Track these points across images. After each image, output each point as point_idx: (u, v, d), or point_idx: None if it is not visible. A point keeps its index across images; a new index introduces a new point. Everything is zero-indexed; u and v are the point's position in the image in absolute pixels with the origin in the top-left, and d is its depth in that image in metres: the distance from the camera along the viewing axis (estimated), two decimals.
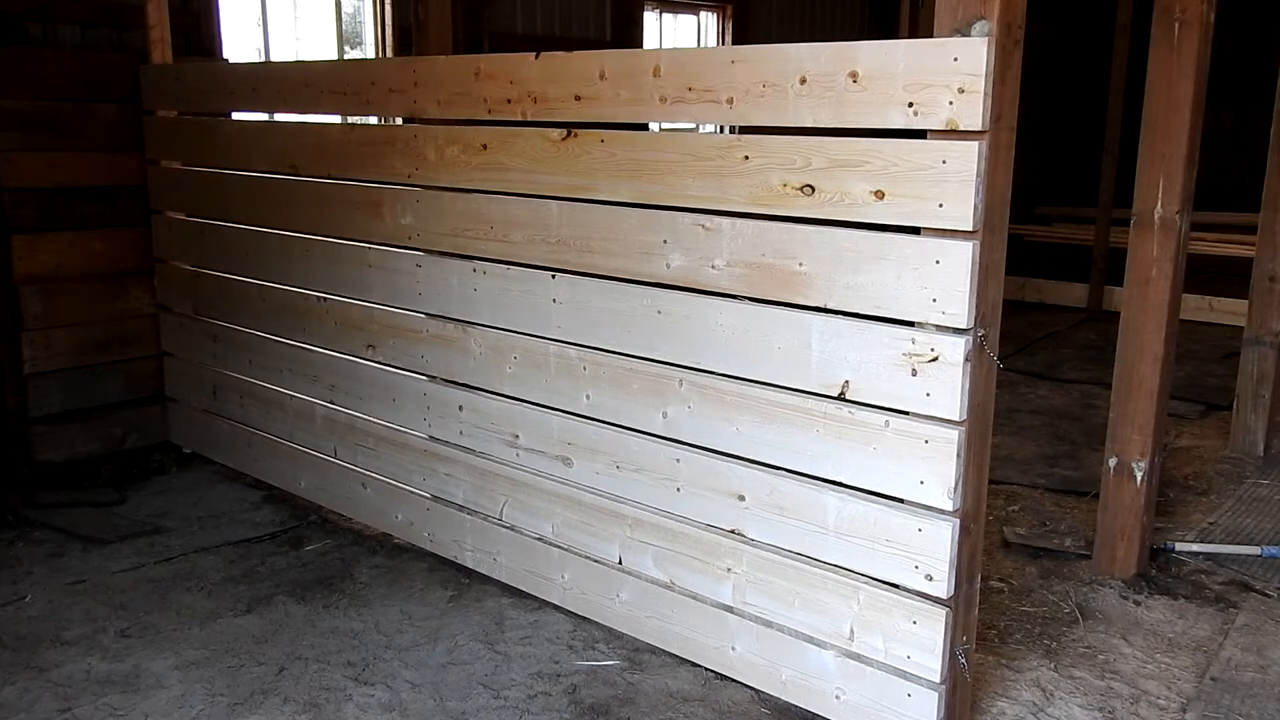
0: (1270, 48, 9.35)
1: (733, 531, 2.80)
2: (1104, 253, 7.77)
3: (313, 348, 3.94)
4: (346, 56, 6.20)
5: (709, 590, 2.87)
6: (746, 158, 2.57)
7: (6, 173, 4.10)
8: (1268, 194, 4.68)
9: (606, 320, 2.95)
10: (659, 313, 2.83)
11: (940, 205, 2.26)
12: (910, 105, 2.26)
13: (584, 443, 3.08)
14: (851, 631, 2.60)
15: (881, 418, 2.45)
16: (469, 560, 3.51)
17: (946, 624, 2.44)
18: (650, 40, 8.10)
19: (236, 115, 4.22)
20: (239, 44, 5.63)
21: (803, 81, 2.44)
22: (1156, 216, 3.32)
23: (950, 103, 2.21)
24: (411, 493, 3.66)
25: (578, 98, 2.89)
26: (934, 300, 2.31)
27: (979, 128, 2.18)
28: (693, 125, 2.90)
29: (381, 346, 3.66)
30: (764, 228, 2.58)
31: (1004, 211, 2.32)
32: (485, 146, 3.16)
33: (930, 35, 2.26)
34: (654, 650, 3.03)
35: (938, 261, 2.29)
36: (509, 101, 3.06)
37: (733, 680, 2.88)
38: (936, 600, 2.45)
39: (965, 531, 2.41)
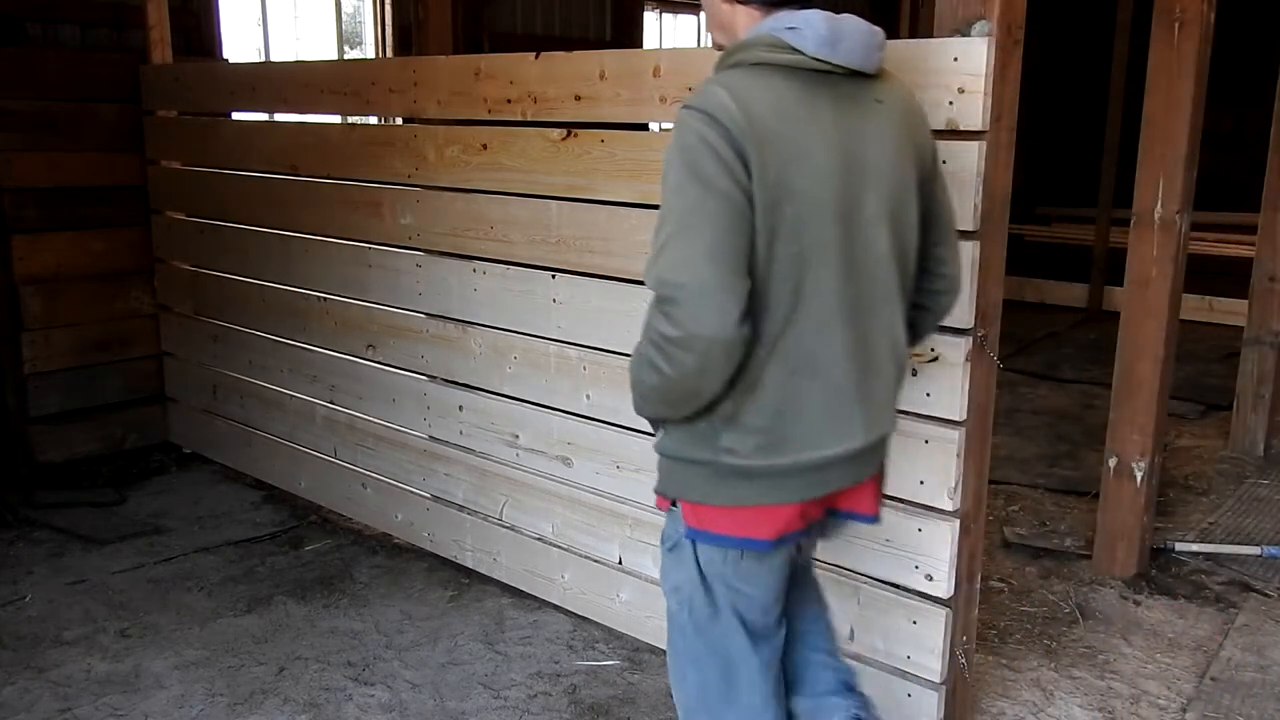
0: (1270, 48, 9.35)
1: None
2: (1104, 253, 7.76)
3: (313, 348, 3.94)
4: (346, 56, 6.20)
5: None
6: None
7: (6, 173, 4.10)
8: (1268, 194, 4.68)
9: (606, 320, 2.95)
10: None
11: None
12: None
13: (584, 443, 3.08)
14: (851, 631, 2.60)
15: None
16: (469, 560, 3.51)
17: (946, 624, 2.44)
18: (650, 40, 8.10)
19: (236, 115, 4.22)
20: (239, 44, 5.63)
21: None
22: (1156, 216, 3.32)
23: (950, 103, 2.21)
24: (411, 493, 3.66)
25: (578, 98, 2.89)
26: None
27: (979, 128, 2.18)
28: None
29: (381, 346, 3.66)
30: None
31: (1004, 211, 2.32)
32: (485, 146, 3.16)
33: (930, 35, 2.26)
34: (654, 650, 3.02)
35: None
36: (509, 101, 3.06)
37: None
38: (936, 600, 2.45)
39: (965, 531, 2.41)
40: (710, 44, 1.95)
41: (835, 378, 1.75)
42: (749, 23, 1.77)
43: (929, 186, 1.88)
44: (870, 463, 1.91)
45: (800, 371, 1.73)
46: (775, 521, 1.81)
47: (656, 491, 1.92)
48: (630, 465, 2.97)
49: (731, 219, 1.61)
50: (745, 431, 1.74)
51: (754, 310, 1.67)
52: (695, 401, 1.71)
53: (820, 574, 2.62)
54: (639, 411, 1.83)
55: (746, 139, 1.61)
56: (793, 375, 1.73)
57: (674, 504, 1.89)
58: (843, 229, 1.72)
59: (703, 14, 1.88)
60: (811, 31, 1.69)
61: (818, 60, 1.69)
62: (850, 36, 1.72)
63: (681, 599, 1.90)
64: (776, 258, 1.67)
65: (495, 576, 3.44)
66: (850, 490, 1.89)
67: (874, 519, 1.99)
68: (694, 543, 1.85)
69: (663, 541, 1.94)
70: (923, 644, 2.48)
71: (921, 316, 1.99)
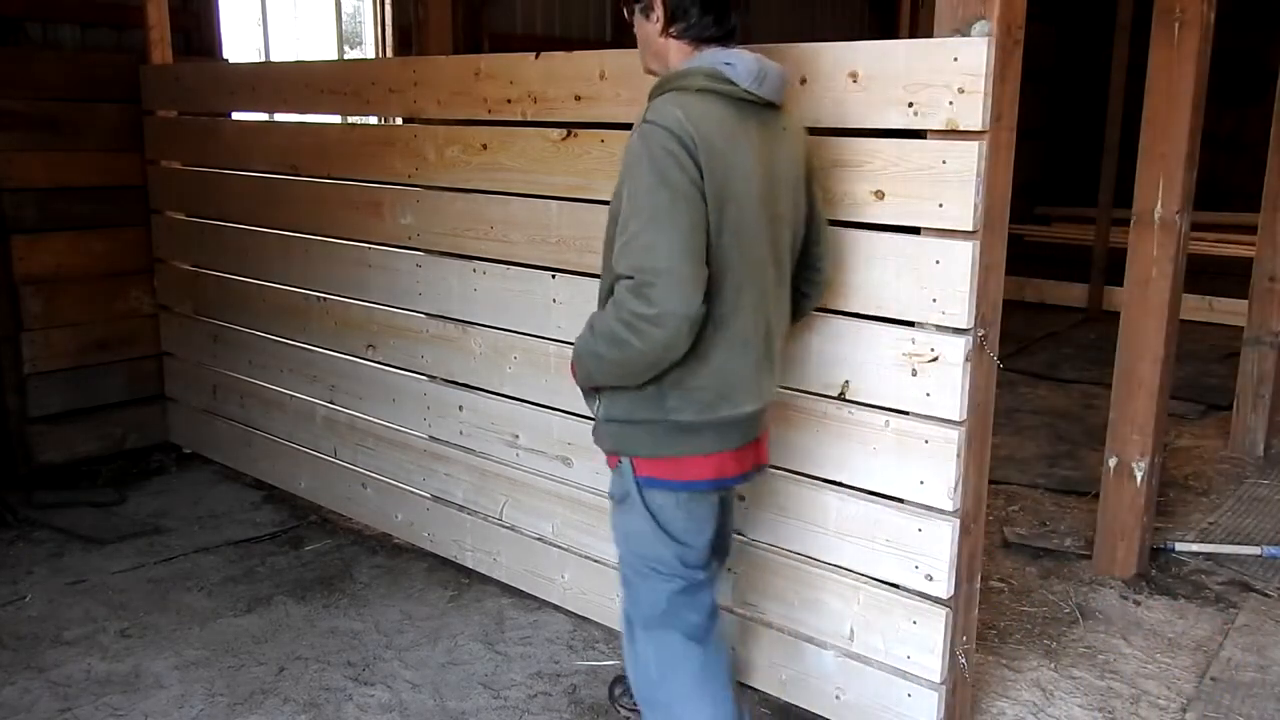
0: (1270, 48, 9.35)
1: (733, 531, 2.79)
2: (1104, 253, 7.76)
3: (313, 348, 3.94)
4: (346, 56, 6.19)
5: None
6: None
7: (6, 173, 4.10)
8: (1268, 194, 4.68)
9: None
10: None
11: (940, 205, 2.26)
12: (910, 105, 2.26)
13: (584, 443, 3.07)
14: (851, 631, 2.60)
15: (881, 418, 2.45)
16: (469, 560, 3.51)
17: (946, 624, 2.44)
18: None
19: (236, 115, 4.22)
20: (239, 44, 5.63)
21: (803, 81, 2.43)
22: (1156, 216, 3.32)
23: (950, 103, 2.21)
24: (411, 493, 3.66)
25: (578, 98, 2.89)
26: (934, 300, 2.30)
27: (979, 128, 2.18)
28: None
29: (381, 346, 3.66)
30: None
31: (1004, 211, 2.32)
32: (485, 146, 3.16)
33: (930, 35, 2.26)
34: None
35: (938, 261, 2.29)
36: (509, 101, 3.06)
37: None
38: (936, 600, 2.45)
39: (965, 531, 2.41)
40: (644, 67, 2.24)
41: (755, 351, 2.13)
42: (680, 55, 2.12)
43: (811, 196, 2.28)
44: (764, 420, 2.27)
45: (737, 346, 2.10)
46: (713, 466, 2.16)
47: (606, 451, 2.23)
48: None
49: (694, 217, 1.96)
50: (691, 395, 2.09)
51: (708, 294, 1.99)
52: (653, 371, 2.03)
53: (820, 574, 2.63)
54: (588, 382, 2.16)
55: (700, 151, 1.96)
56: (731, 349, 2.09)
57: (620, 462, 2.20)
58: (766, 229, 2.10)
59: (635, 28, 2.19)
60: (744, 67, 2.05)
61: (748, 92, 2.05)
62: (771, 75, 2.09)
63: (633, 544, 2.24)
64: (724, 249, 2.02)
65: (495, 576, 3.44)
66: (756, 444, 2.24)
67: (767, 465, 2.38)
68: (643, 493, 2.17)
69: (611, 497, 2.26)
70: (923, 644, 2.48)
71: (803, 301, 2.37)
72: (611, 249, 2.05)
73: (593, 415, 2.23)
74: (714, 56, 2.07)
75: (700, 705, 2.26)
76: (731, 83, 2.04)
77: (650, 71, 2.20)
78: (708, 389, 2.08)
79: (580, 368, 2.13)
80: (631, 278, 1.93)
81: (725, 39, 2.12)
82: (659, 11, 2.11)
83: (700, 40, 2.10)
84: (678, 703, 2.27)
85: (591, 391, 2.20)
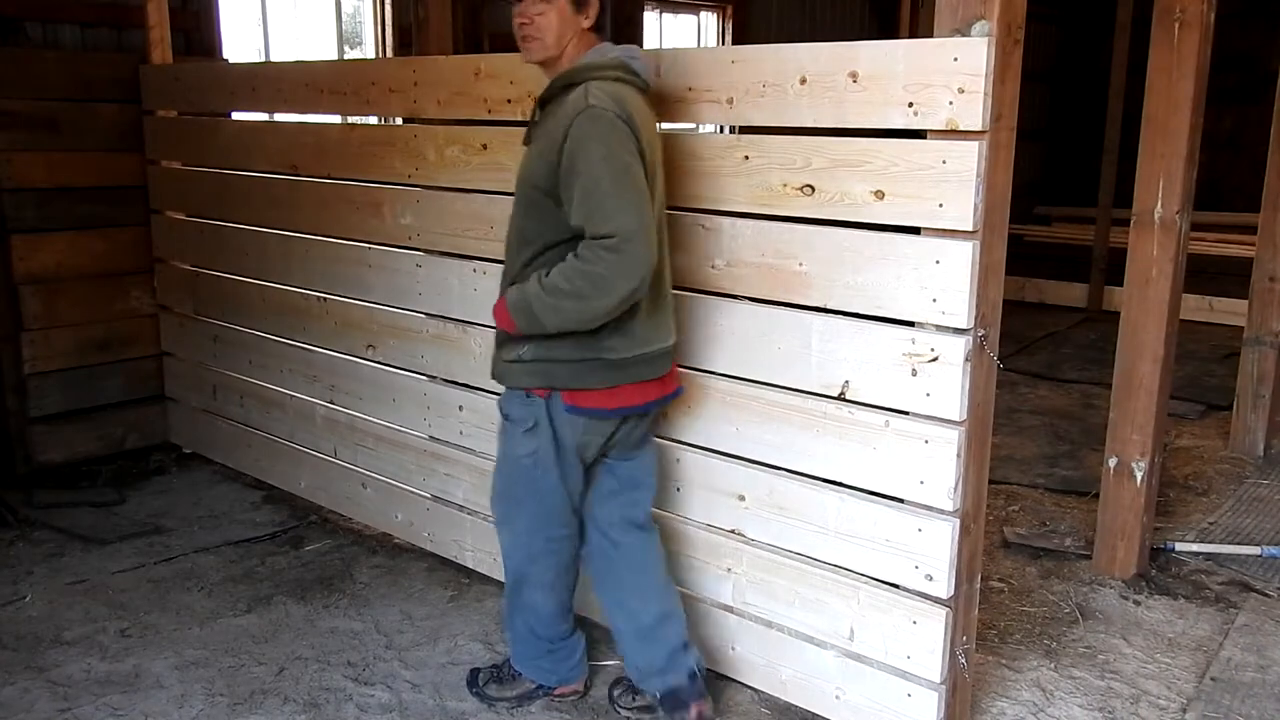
0: (1270, 48, 9.35)
1: (733, 531, 2.80)
2: (1104, 253, 7.77)
3: (313, 348, 3.94)
4: (346, 56, 6.19)
5: (709, 590, 2.87)
6: (746, 158, 2.57)
7: (6, 173, 4.10)
8: (1268, 194, 4.68)
9: None
10: None
11: (940, 205, 2.26)
12: (910, 105, 2.26)
13: None
14: (851, 631, 2.60)
15: (881, 418, 2.45)
16: (469, 560, 3.51)
17: (946, 624, 2.44)
18: (650, 40, 8.09)
19: (236, 115, 4.22)
20: (239, 44, 5.63)
21: (803, 81, 2.44)
22: (1156, 216, 3.32)
23: (950, 103, 2.21)
24: (411, 493, 3.66)
25: None
26: (934, 300, 2.30)
27: (979, 128, 2.18)
28: (693, 125, 2.91)
29: (381, 346, 3.66)
30: (764, 228, 2.58)
31: (1004, 211, 2.32)
32: (485, 146, 3.16)
33: (930, 35, 2.26)
34: None
35: (938, 261, 2.29)
36: (509, 101, 3.06)
37: (733, 680, 2.88)
38: (936, 600, 2.44)
39: (965, 531, 2.41)
40: (533, 55, 2.45)
41: (667, 300, 2.52)
42: (585, 46, 2.42)
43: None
44: (671, 357, 2.57)
45: (660, 293, 2.47)
46: (635, 394, 2.47)
47: (530, 388, 2.45)
48: None
49: (645, 184, 2.29)
50: (625, 336, 2.40)
51: None
52: (609, 316, 2.30)
53: (820, 574, 2.63)
54: (534, 330, 2.36)
55: (635, 130, 2.29)
56: (657, 296, 2.44)
57: (549, 394, 2.44)
58: (662, 198, 2.47)
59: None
60: (644, 62, 2.45)
61: (646, 84, 2.44)
62: (652, 68, 2.50)
63: (536, 459, 2.51)
64: (656, 216, 2.34)
65: (495, 576, 3.43)
66: (668, 376, 2.56)
67: (681, 389, 2.68)
68: (552, 420, 2.45)
69: (518, 423, 2.51)
70: (923, 644, 2.48)
71: None
72: (526, 221, 2.40)
73: (513, 359, 2.45)
74: (616, 50, 2.41)
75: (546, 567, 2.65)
76: (636, 74, 2.39)
77: (540, 61, 2.45)
78: (639, 332, 2.40)
79: (524, 319, 2.35)
80: (611, 236, 2.21)
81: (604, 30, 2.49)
82: (595, 5, 2.43)
83: (597, 32, 2.45)
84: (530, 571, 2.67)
85: (517, 339, 2.42)
